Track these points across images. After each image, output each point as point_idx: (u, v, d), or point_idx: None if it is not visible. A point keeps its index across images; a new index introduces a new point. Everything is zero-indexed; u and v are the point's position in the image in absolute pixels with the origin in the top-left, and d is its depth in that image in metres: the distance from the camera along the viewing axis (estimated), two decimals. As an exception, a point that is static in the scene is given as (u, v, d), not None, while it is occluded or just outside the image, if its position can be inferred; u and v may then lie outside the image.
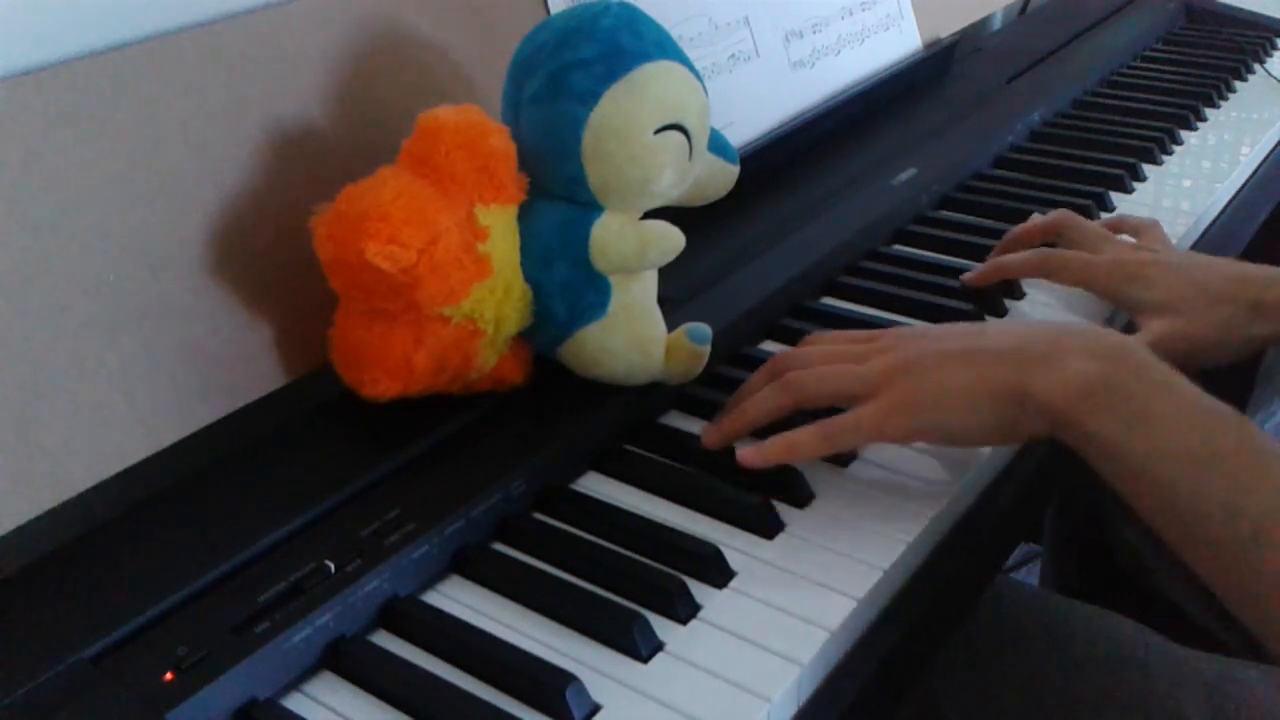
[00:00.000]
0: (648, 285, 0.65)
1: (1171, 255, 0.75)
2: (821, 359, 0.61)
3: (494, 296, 0.60)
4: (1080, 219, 0.79)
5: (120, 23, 0.60)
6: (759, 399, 0.60)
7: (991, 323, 0.62)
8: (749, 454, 0.57)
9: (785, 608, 0.52)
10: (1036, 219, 0.80)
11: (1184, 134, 1.06)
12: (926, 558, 0.58)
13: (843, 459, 0.62)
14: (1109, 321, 0.74)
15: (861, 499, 0.59)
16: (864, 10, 1.06)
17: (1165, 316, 0.70)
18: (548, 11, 0.78)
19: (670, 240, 0.61)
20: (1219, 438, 0.50)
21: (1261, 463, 0.49)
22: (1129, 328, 0.73)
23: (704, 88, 0.62)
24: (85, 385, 0.56)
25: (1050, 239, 0.79)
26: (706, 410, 0.66)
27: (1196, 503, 0.49)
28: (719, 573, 0.54)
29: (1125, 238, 0.79)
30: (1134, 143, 1.02)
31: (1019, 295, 0.78)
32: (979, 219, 0.88)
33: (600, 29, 0.60)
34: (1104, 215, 0.90)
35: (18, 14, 0.57)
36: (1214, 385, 0.54)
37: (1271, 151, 1.06)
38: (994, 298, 0.77)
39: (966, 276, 0.78)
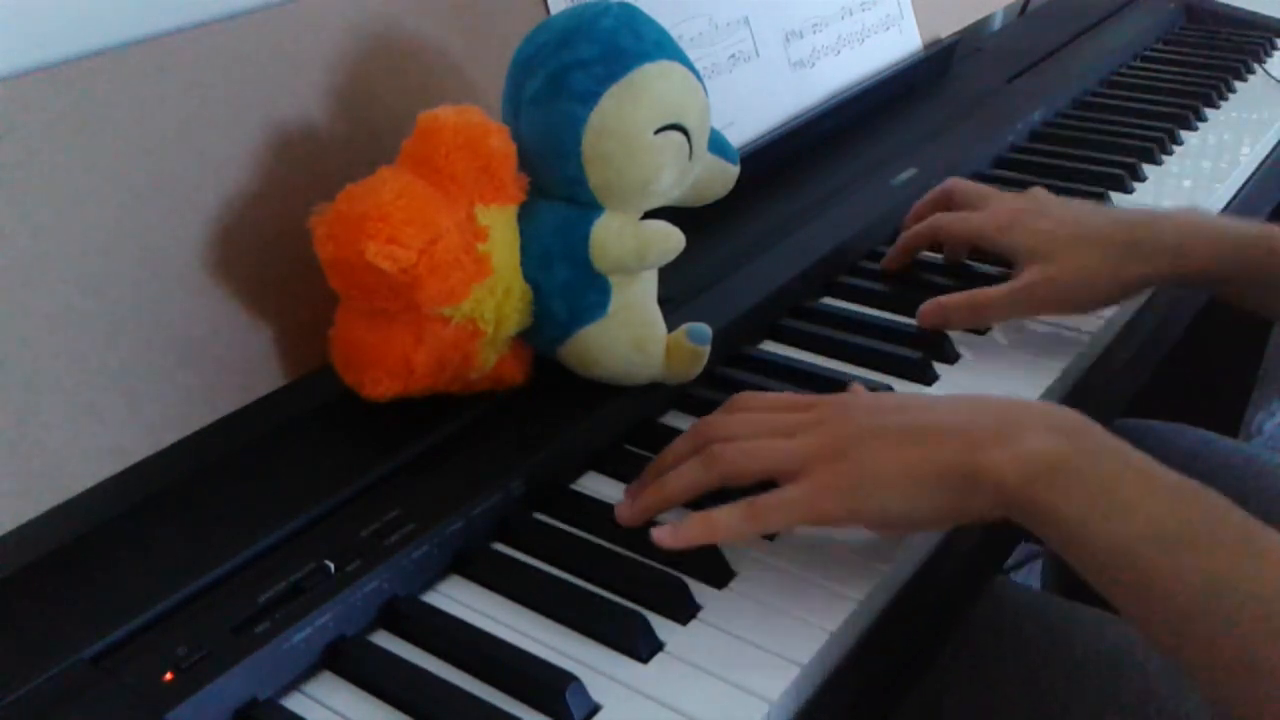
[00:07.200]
0: (648, 285, 0.65)
1: (1051, 205, 0.76)
2: (750, 430, 0.55)
3: (494, 297, 0.60)
4: (965, 182, 0.81)
5: (120, 23, 0.60)
6: (681, 474, 0.55)
7: (936, 396, 0.58)
8: (664, 535, 0.52)
9: (785, 608, 0.52)
10: (930, 193, 0.82)
11: (1184, 134, 1.06)
12: (926, 558, 0.58)
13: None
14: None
15: (861, 499, 0.59)
16: (864, 10, 1.06)
17: (1036, 264, 0.71)
18: (548, 11, 0.78)
19: (670, 241, 0.61)
20: (1195, 517, 0.47)
21: (1241, 544, 0.46)
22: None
23: (704, 88, 0.62)
24: (85, 385, 0.56)
25: (944, 207, 0.81)
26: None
27: (1171, 588, 0.46)
28: (719, 573, 0.54)
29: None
30: (1134, 143, 1.02)
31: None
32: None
33: (600, 29, 0.60)
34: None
35: (18, 14, 0.57)
36: (1214, 383, 0.53)
37: (1271, 151, 1.06)
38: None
39: (884, 262, 0.81)
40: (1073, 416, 0.52)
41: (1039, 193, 0.80)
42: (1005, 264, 0.78)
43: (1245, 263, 0.69)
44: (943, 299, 0.73)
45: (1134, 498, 0.48)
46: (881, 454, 0.52)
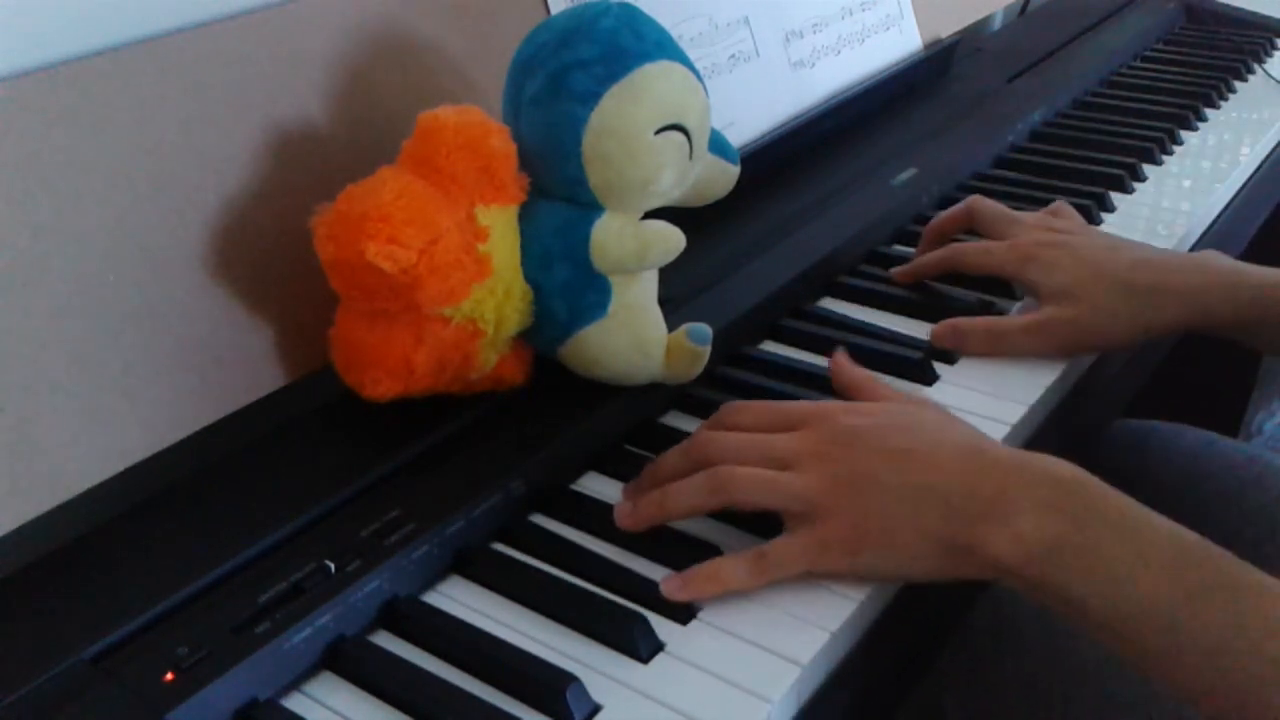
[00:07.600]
0: (648, 285, 0.65)
1: (1074, 237, 0.75)
2: (750, 452, 0.56)
3: (494, 297, 0.60)
4: (989, 203, 0.80)
5: (120, 23, 0.60)
6: (684, 492, 0.56)
7: (930, 420, 0.57)
8: (673, 588, 0.53)
9: (786, 608, 0.52)
10: (952, 210, 0.81)
11: (1184, 134, 1.06)
12: (927, 558, 0.58)
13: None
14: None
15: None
16: (864, 10, 1.06)
17: (1056, 302, 0.71)
18: (548, 11, 0.78)
19: (671, 241, 0.61)
20: (1193, 581, 0.48)
21: (1241, 603, 0.47)
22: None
23: (704, 88, 0.62)
24: (85, 385, 0.56)
25: (966, 225, 0.80)
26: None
27: (1174, 651, 0.47)
28: (719, 573, 0.54)
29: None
30: (1134, 143, 1.02)
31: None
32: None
33: (601, 29, 0.60)
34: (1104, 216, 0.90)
35: (18, 14, 0.57)
36: (1214, 383, 0.53)
37: (1271, 151, 1.06)
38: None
39: (896, 274, 0.80)
40: (1068, 478, 0.52)
41: (1063, 211, 0.80)
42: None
43: (1264, 312, 0.69)
44: (959, 322, 0.72)
45: (1129, 568, 0.49)
46: (884, 514, 0.53)
